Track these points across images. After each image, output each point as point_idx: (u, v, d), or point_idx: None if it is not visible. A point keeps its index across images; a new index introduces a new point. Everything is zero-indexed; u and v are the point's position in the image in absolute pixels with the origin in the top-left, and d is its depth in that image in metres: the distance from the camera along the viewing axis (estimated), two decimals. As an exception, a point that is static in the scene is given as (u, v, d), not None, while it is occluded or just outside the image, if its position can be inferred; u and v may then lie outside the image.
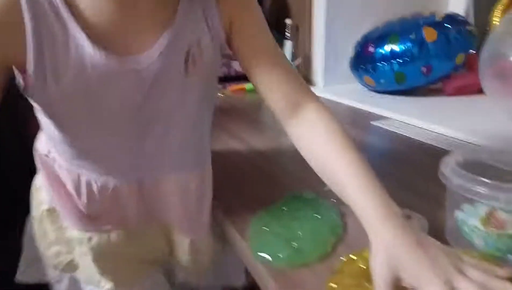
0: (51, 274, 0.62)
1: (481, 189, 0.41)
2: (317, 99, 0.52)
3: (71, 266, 0.58)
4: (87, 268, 0.55)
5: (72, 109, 0.44)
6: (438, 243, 0.38)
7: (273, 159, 0.80)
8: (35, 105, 0.46)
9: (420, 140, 0.85)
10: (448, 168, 0.45)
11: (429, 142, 0.83)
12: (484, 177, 0.41)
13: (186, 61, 0.46)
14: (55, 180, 0.53)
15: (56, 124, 0.47)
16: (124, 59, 0.43)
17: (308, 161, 0.49)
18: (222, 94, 1.35)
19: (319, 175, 0.48)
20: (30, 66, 0.40)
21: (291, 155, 0.89)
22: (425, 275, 0.34)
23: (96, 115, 0.45)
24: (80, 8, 0.41)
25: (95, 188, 0.51)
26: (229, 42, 0.51)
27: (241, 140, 0.90)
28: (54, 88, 0.41)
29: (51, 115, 0.46)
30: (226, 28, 0.50)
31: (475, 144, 0.80)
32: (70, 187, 0.52)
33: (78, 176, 0.51)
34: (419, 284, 0.34)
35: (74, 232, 0.54)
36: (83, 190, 0.51)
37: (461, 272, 0.34)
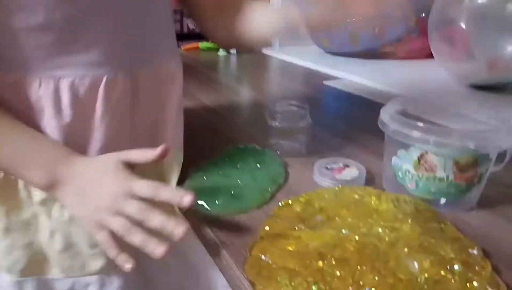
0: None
1: (414, 133, 0.41)
2: None
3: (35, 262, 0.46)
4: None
5: None
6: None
7: (222, 115, 0.78)
8: None
9: (368, 98, 0.86)
10: (386, 115, 0.46)
11: (376, 99, 0.85)
12: (419, 120, 0.42)
13: None
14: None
15: None
16: None
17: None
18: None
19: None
20: None
21: (240, 111, 0.88)
22: None
23: None
24: None
25: (81, 90, 0.41)
26: None
27: (193, 98, 0.87)
28: None
29: None
30: None
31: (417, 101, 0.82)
32: (45, 104, 0.40)
33: (58, 82, 0.40)
34: None
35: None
36: (65, 99, 0.40)
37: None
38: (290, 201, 0.43)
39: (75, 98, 0.41)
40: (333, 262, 0.34)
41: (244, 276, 0.35)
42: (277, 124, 0.57)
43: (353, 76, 0.99)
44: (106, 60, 0.42)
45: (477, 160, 0.41)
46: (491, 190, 0.47)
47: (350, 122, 0.76)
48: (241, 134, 0.69)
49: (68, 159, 0.41)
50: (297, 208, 0.42)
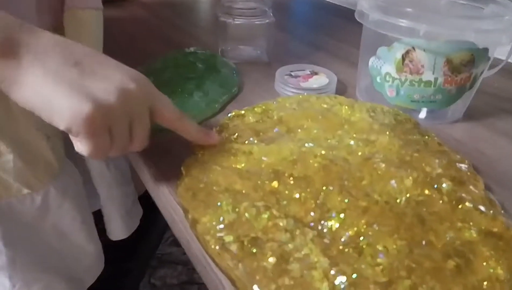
0: None
1: (401, 22, 0.32)
2: None
3: None
4: None
5: None
6: None
7: (165, 13, 0.66)
8: None
9: (341, 4, 0.76)
10: (365, 4, 0.36)
11: (349, 6, 0.74)
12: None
13: None
14: None
15: None
16: None
17: None
18: None
19: None
20: None
21: (187, 7, 0.75)
22: None
23: None
24: None
25: None
26: None
27: None
28: None
29: None
30: None
31: None
32: None
33: None
34: None
35: None
36: None
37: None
38: (242, 112, 0.35)
39: None
40: (292, 182, 0.26)
41: (175, 201, 0.27)
42: (231, 21, 0.46)
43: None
44: None
45: (474, 58, 0.33)
46: (478, 100, 0.39)
47: (320, 30, 0.65)
48: (187, 36, 0.58)
49: (33, 29, 0.25)
50: (251, 119, 0.34)
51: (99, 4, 0.40)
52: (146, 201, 0.56)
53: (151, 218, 0.67)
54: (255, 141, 0.31)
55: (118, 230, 0.57)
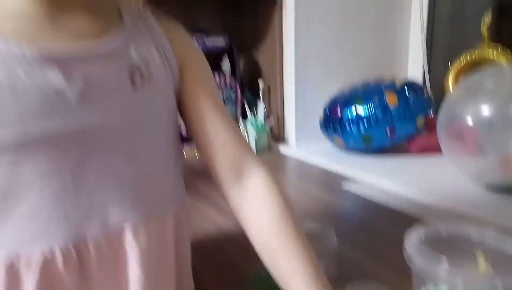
0: None
1: (441, 271, 0.43)
2: (262, 164, 0.48)
3: None
4: None
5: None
6: None
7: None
8: None
9: (389, 205, 0.89)
10: (411, 247, 0.48)
11: (396, 207, 0.87)
12: (445, 253, 0.44)
13: (132, 77, 0.41)
14: None
15: None
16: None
17: (248, 234, 0.46)
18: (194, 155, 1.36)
19: (258, 251, 0.45)
20: None
21: None
22: None
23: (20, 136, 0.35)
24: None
25: (6, 274, 0.35)
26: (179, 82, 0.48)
27: (216, 207, 0.89)
28: None
29: None
30: (179, 65, 0.47)
31: (438, 209, 0.84)
32: None
33: None
34: None
35: None
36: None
37: None
38: None
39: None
40: None
41: None
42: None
43: (370, 176, 1.03)
44: (40, 232, 0.37)
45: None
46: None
47: (371, 234, 0.77)
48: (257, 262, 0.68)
49: None
50: None
51: None
52: None
53: None
54: None
55: None
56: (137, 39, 0.43)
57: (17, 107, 0.34)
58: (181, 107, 0.49)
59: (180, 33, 0.49)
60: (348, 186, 1.01)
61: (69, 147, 0.37)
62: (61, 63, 0.37)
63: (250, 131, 1.38)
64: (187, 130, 0.49)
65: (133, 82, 0.41)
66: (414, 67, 1.52)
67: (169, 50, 0.46)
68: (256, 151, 1.38)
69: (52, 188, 0.37)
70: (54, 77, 0.36)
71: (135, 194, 0.41)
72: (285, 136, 1.50)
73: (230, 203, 0.48)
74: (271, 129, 1.44)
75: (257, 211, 0.45)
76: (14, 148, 0.35)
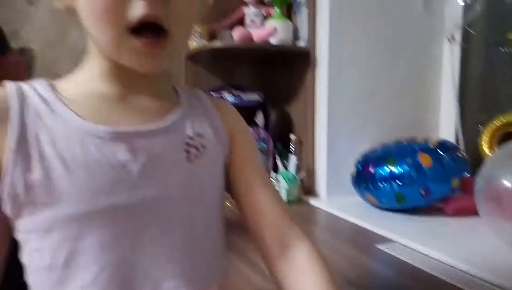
0: None
1: None
2: (305, 236, 0.49)
3: None
4: None
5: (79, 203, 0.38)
6: None
7: None
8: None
9: (422, 268, 0.87)
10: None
11: (430, 271, 0.85)
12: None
13: (187, 150, 0.44)
14: None
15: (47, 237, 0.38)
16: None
17: None
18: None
19: None
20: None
21: None
22: None
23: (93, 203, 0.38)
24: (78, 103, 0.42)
25: None
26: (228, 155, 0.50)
27: (255, 265, 0.86)
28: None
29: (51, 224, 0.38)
30: (229, 139, 0.50)
31: (475, 278, 0.81)
32: None
33: None
34: None
35: None
36: None
37: None
38: None
39: None
40: None
41: None
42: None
43: (404, 238, 1.02)
44: None
45: None
46: None
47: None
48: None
49: None
50: None
51: None
52: None
53: None
54: None
55: None
56: (191, 114, 0.47)
57: (89, 181, 0.38)
58: (229, 180, 0.51)
59: (230, 110, 0.54)
60: (381, 246, 0.99)
61: (130, 218, 0.39)
62: (127, 138, 0.41)
63: (281, 183, 1.40)
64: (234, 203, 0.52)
65: (188, 154, 0.44)
66: (445, 127, 1.53)
67: (221, 125, 0.49)
68: (287, 202, 1.39)
69: (112, 257, 0.39)
70: (121, 151, 0.40)
71: (187, 265, 0.43)
72: (316, 190, 1.51)
73: (274, 275, 0.49)
74: (301, 182, 1.46)
75: (303, 284, 0.46)
76: (81, 220, 0.38)
